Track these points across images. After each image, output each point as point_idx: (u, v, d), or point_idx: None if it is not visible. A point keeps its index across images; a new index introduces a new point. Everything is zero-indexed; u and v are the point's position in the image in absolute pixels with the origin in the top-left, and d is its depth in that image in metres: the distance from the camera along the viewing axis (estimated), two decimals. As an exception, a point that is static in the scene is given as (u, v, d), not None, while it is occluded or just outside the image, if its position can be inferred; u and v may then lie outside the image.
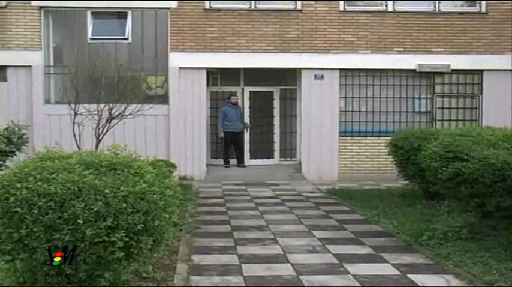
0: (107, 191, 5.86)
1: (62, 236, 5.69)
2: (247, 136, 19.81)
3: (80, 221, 5.67)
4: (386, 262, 8.58)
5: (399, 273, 7.96)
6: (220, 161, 19.68)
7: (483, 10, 18.95)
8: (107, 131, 13.45)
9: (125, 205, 5.84)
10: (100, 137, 13.31)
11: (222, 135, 19.29)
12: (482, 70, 19.01)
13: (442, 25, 18.84)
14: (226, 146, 19.64)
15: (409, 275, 7.82)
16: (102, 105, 13.36)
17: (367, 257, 8.90)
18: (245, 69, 19.21)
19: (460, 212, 10.47)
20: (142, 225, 5.92)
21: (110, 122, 13.49)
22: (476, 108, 19.16)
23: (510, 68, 18.70)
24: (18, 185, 5.83)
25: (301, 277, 7.73)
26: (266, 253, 9.10)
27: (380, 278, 7.72)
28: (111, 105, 13.40)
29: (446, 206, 11.27)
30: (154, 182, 6.28)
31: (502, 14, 18.87)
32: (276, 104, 19.89)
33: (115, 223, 5.78)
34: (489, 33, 18.90)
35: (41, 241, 5.72)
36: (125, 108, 13.57)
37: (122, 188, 5.94)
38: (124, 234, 5.78)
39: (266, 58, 18.41)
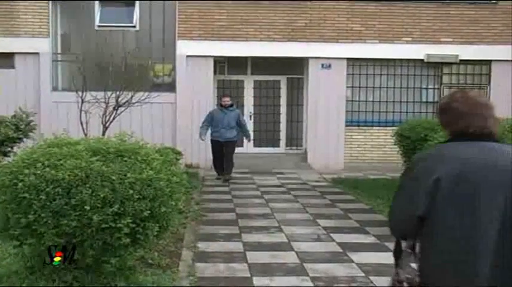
0: (114, 177, 5.94)
1: (69, 222, 5.78)
2: (250, 126, 18.90)
3: (87, 207, 5.76)
4: (390, 251, 8.60)
5: (402, 262, 8.04)
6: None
7: (493, 1, 18.93)
8: (113, 118, 13.54)
9: (131, 191, 5.93)
10: (107, 125, 13.40)
11: (201, 139, 16.04)
12: (490, 61, 19.03)
13: (452, 15, 18.83)
14: (213, 155, 16.39)
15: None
16: (109, 93, 13.45)
17: (372, 246, 8.99)
18: (252, 57, 19.23)
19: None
20: (149, 212, 6.02)
21: (116, 110, 13.58)
22: (483, 98, 19.13)
23: (519, 58, 18.74)
24: (26, 171, 5.91)
25: (305, 264, 7.83)
26: (271, 240, 9.20)
27: (384, 266, 7.74)
28: (118, 93, 13.50)
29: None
30: (161, 169, 6.36)
31: (512, 5, 18.88)
32: (283, 93, 19.90)
33: (122, 209, 5.88)
34: (499, 23, 18.87)
35: (48, 227, 5.81)
36: (132, 96, 13.66)
37: (128, 175, 6.02)
38: (130, 220, 5.88)
39: (274, 47, 18.44)
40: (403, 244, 3.54)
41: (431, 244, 3.32)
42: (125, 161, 6.25)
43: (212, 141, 16.15)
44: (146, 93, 14.13)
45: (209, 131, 16.09)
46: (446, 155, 3.40)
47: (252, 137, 17.41)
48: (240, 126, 16.24)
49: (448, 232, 3.24)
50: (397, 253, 3.63)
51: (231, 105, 16.17)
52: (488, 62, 19.07)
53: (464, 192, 3.22)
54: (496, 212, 3.18)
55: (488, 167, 3.26)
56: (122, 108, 13.67)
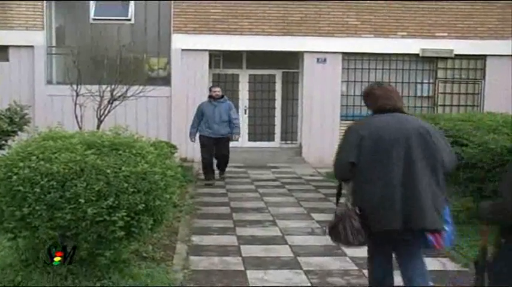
0: (108, 171, 5.96)
1: (63, 215, 5.79)
2: (245, 120, 19.28)
3: (82, 200, 5.78)
4: (384, 245, 8.70)
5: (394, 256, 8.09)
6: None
7: (488, -4, 19.02)
8: (108, 112, 13.54)
9: (126, 184, 5.96)
10: (102, 118, 13.39)
11: (192, 140, 14.90)
12: (485, 55, 19.09)
13: (447, 9, 18.87)
14: (202, 153, 14.61)
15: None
16: (104, 87, 13.45)
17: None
18: (247, 51, 19.24)
19: (459, 196, 10.58)
20: (143, 205, 6.04)
21: (111, 103, 13.58)
22: (478, 93, 19.25)
23: (513, 53, 18.84)
24: (21, 164, 5.93)
25: (298, 258, 7.88)
26: (265, 234, 9.25)
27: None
28: (113, 86, 13.50)
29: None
30: (156, 162, 6.38)
31: (507, 0, 18.91)
32: (278, 87, 19.91)
33: (116, 202, 5.90)
34: (493, 18, 18.93)
35: (43, 220, 5.83)
36: (126, 90, 13.66)
37: (123, 168, 6.04)
38: (125, 213, 5.91)
39: (269, 41, 18.46)
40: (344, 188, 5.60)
41: (361, 181, 5.34)
42: (120, 154, 6.26)
43: (202, 137, 14.45)
44: (141, 87, 14.13)
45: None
46: (370, 122, 5.52)
47: (239, 134, 15.08)
48: (229, 119, 14.38)
49: (371, 173, 5.26)
50: (338, 195, 5.67)
51: (222, 97, 14.57)
52: (483, 57, 19.13)
53: (381, 146, 5.26)
54: (401, 158, 5.22)
55: (397, 129, 5.32)
56: (117, 102, 13.67)
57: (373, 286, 5.77)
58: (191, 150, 17.88)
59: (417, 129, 5.29)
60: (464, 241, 8.55)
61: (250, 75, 19.83)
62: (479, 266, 4.64)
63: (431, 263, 7.70)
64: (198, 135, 14.67)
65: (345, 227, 5.33)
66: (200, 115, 14.48)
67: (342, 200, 5.56)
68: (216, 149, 14.47)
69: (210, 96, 14.64)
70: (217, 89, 14.70)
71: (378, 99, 5.54)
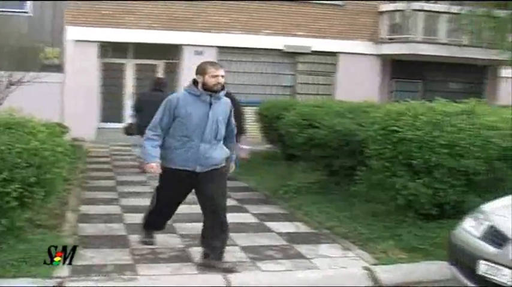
0: (3, 147, 5.87)
1: (-39, 187, 5.68)
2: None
3: (-22, 174, 5.67)
4: (248, 212, 8.91)
5: (258, 221, 8.34)
6: (111, 125, 18.74)
7: (340, 3, 19.73)
8: (6, 96, 13.19)
9: (19, 160, 5.89)
10: (0, 102, 13.04)
11: (149, 166, 6.06)
12: (337, 52, 19.76)
13: (304, 12, 19.50)
14: (159, 196, 6.64)
15: (266, 223, 8.19)
16: (1, 73, 13.08)
17: (233, 208, 9.05)
18: (133, 43, 19.06)
19: (312, 171, 10.95)
20: (35, 178, 5.98)
21: (9, 88, 13.23)
22: (331, 84, 19.90)
23: (359, 52, 19.63)
24: None
25: (174, 224, 7.89)
26: (146, 204, 9.13)
27: (241, 225, 8.05)
28: (10, 72, 13.16)
29: (300, 166, 11.70)
30: (46, 140, 6.32)
31: (355, 7, 19.73)
32: (160, 75, 19.79)
33: (10, 176, 5.82)
34: (344, 21, 19.70)
35: None
36: (23, 76, 13.34)
37: (16, 145, 5.95)
38: (18, 186, 5.85)
39: (152, 34, 18.37)
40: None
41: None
42: (13, 133, 6.17)
43: (169, 171, 6.10)
44: (36, 74, 13.83)
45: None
46: (145, 93, 12.39)
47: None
48: (228, 130, 6.24)
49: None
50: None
51: (223, 88, 6.00)
52: (335, 54, 19.80)
53: (145, 102, 11.18)
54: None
55: (156, 97, 9.94)
56: (14, 87, 13.33)
57: None
58: (82, 130, 17.43)
59: (162, 98, 6.54)
60: (315, 208, 8.87)
61: (136, 64, 19.64)
62: None
63: (287, 226, 8.01)
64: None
65: None
66: (170, 121, 6.02)
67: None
68: (200, 195, 6.24)
69: (196, 83, 5.98)
70: (221, 70, 5.96)
71: (154, 84, 11.85)
